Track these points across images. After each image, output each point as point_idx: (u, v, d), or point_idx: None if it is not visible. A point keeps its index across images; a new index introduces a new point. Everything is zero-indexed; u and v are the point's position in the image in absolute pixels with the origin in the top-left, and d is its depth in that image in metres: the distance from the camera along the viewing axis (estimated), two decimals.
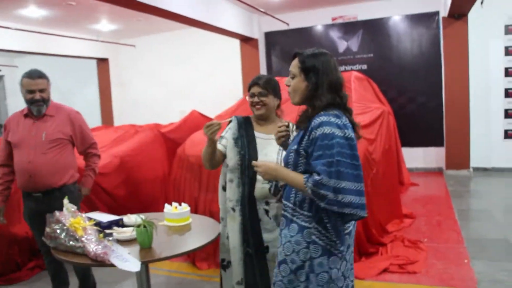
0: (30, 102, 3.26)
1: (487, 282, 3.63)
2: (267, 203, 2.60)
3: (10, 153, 3.35)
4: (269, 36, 9.63)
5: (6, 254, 4.21)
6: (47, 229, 2.59)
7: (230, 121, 2.76)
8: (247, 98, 2.77)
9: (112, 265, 2.28)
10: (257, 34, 9.48)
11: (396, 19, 8.55)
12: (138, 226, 2.48)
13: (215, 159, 2.68)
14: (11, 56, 12.18)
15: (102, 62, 11.68)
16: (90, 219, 2.67)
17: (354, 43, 8.87)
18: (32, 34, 8.69)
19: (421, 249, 4.35)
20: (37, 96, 3.23)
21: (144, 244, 2.47)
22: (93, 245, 2.38)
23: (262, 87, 2.68)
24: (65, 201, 2.73)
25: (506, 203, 6.26)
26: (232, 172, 2.65)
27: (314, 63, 2.11)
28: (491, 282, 3.64)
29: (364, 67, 8.75)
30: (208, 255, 4.17)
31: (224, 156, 2.71)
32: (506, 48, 7.90)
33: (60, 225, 2.52)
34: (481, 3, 7.04)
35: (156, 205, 5.65)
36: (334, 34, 9.03)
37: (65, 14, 8.26)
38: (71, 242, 2.45)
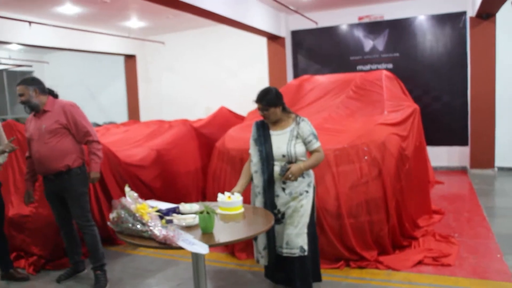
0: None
1: None
2: (284, 183, 3.30)
3: (30, 147, 3.98)
4: (295, 34, 9.77)
5: (54, 241, 4.44)
6: (112, 215, 2.79)
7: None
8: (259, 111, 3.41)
9: (179, 248, 2.46)
10: (284, 32, 9.61)
11: (422, 19, 8.64)
12: (201, 212, 2.66)
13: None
14: (41, 52, 12.49)
15: (130, 59, 11.93)
16: (152, 206, 2.86)
17: (380, 43, 8.98)
18: (64, 30, 8.96)
19: (453, 243, 4.47)
20: (18, 100, 3.88)
21: (206, 229, 2.65)
22: (159, 229, 2.57)
23: (262, 105, 3.33)
24: (127, 188, 2.92)
25: None
26: (255, 165, 3.40)
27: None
28: None
29: (390, 66, 8.84)
30: (247, 245, 4.31)
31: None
32: None
33: (127, 210, 2.71)
34: (511, 3, 7.10)
35: (189, 197, 5.85)
36: (360, 33, 9.14)
37: (98, 11, 8.51)
38: (138, 226, 2.63)
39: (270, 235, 3.33)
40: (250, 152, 3.48)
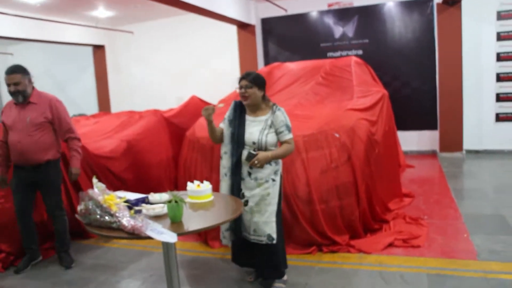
0: (11, 93, 3.89)
1: (486, 253, 3.87)
2: (251, 168, 3.28)
3: (6, 133, 4.01)
4: (266, 22, 9.73)
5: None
6: (80, 207, 2.74)
7: (221, 106, 3.59)
8: (237, 90, 3.37)
9: (148, 238, 2.44)
10: (254, 20, 9.57)
11: (391, 5, 8.72)
12: (169, 201, 2.64)
13: (217, 135, 3.43)
14: (5, 43, 12.13)
15: (99, 49, 11.70)
16: (120, 196, 2.83)
17: (349, 29, 9.03)
18: (29, 20, 8.71)
19: (422, 225, 4.57)
20: (12, 89, 3.85)
21: (175, 218, 2.63)
22: (128, 219, 2.54)
23: (248, 81, 3.29)
24: (94, 180, 2.88)
25: (498, 183, 6.52)
26: (226, 146, 3.41)
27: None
28: (489, 253, 3.89)
29: (360, 52, 8.91)
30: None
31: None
32: (498, 34, 8.11)
33: (94, 201, 2.67)
34: None
35: (161, 187, 5.79)
36: (330, 20, 9.17)
37: (63, 0, 8.28)
38: (106, 218, 2.60)
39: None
40: (223, 129, 3.45)
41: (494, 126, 8.37)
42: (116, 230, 2.55)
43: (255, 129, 3.29)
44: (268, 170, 3.29)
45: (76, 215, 2.77)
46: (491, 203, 5.40)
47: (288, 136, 3.29)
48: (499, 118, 8.32)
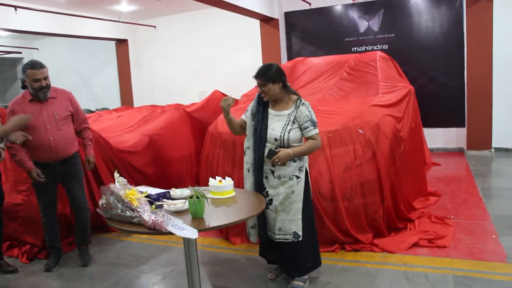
0: (37, 89, 3.78)
1: None
2: (273, 165, 3.19)
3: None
4: (289, 16, 9.62)
5: None
6: (102, 201, 2.73)
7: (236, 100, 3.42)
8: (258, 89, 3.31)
9: (169, 233, 2.40)
10: (277, 14, 9.47)
11: None
12: (191, 197, 2.60)
13: (235, 126, 3.40)
14: (31, 38, 12.30)
15: (121, 43, 11.76)
16: (141, 191, 2.80)
17: (375, 23, 8.85)
18: (53, 15, 8.78)
19: (448, 225, 4.44)
20: (43, 83, 3.77)
21: (196, 214, 2.59)
22: (149, 214, 2.52)
23: (261, 79, 3.22)
24: (116, 174, 2.86)
25: None
26: (248, 141, 3.34)
27: None
28: None
29: (385, 47, 8.73)
30: (242, 230, 4.26)
31: (246, 124, 3.38)
32: None
33: (116, 196, 2.65)
34: None
35: (183, 182, 5.79)
36: (355, 14, 9.01)
37: None
38: (127, 212, 2.58)
39: (260, 215, 3.24)
40: (244, 120, 3.39)
41: None
42: (137, 225, 2.54)
43: (278, 124, 3.19)
44: (291, 167, 3.20)
45: (98, 209, 2.76)
46: None
47: (313, 132, 3.18)
48: None
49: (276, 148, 3.16)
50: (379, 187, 4.16)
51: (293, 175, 3.20)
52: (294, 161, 3.20)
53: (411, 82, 6.83)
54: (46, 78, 3.80)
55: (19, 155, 3.81)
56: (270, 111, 3.27)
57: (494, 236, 4.18)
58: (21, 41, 12.56)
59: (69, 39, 10.88)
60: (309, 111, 3.20)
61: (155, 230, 2.45)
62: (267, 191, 3.26)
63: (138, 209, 2.57)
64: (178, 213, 2.73)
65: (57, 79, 12.86)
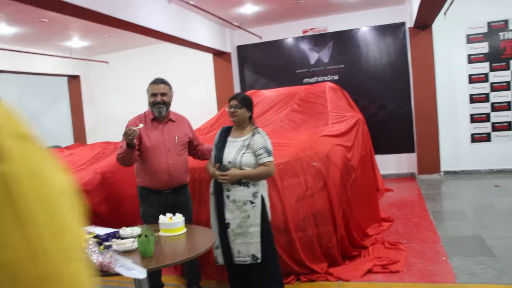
0: (152, 104, 3.67)
1: (465, 276, 3.85)
2: (228, 190, 3.35)
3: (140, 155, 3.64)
4: (241, 49, 9.80)
5: None
6: None
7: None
8: (226, 109, 3.50)
9: (117, 274, 2.35)
10: (230, 48, 9.61)
11: (365, 30, 8.88)
12: (139, 236, 2.56)
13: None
14: None
15: (73, 79, 11.58)
16: (89, 232, 2.74)
17: (325, 55, 9.13)
18: (1, 52, 8.58)
19: (401, 250, 4.53)
20: (158, 98, 3.64)
21: (146, 253, 2.55)
22: (96, 256, 2.45)
23: (238, 101, 3.42)
24: None
25: (476, 203, 6.57)
26: (213, 167, 3.46)
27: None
28: (468, 275, 3.86)
29: (336, 77, 9.00)
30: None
31: None
32: (469, 56, 8.31)
33: None
34: (444, 14, 7.42)
35: (138, 220, 5.65)
36: (305, 46, 9.28)
37: (37, 31, 8.22)
38: None
39: (222, 235, 3.37)
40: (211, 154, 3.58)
41: (470, 147, 8.48)
42: None
43: (233, 149, 3.38)
44: (245, 192, 3.31)
45: None
46: (470, 224, 5.41)
47: (266, 159, 3.30)
48: (474, 138, 8.44)
49: (226, 164, 3.35)
50: (331, 216, 4.22)
51: (247, 200, 3.31)
52: (248, 186, 3.32)
53: (362, 110, 7.05)
54: (163, 94, 3.65)
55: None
56: (229, 138, 3.48)
57: (444, 258, 4.30)
58: None
59: (18, 76, 10.62)
60: (264, 139, 3.39)
61: (103, 271, 2.39)
62: (224, 216, 3.37)
63: (86, 250, 2.50)
64: (127, 252, 2.67)
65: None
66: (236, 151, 3.35)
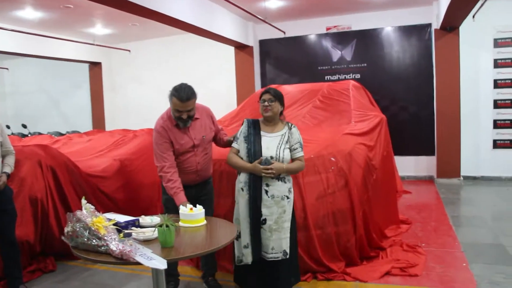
0: (177, 118, 3.53)
1: (486, 284, 3.75)
2: (267, 185, 3.31)
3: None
4: (263, 43, 9.74)
5: None
6: (67, 228, 2.62)
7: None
8: (259, 103, 3.48)
9: (137, 263, 2.32)
10: (252, 41, 9.57)
11: (389, 30, 8.76)
12: (161, 225, 2.53)
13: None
14: (1, 58, 12.06)
15: (95, 66, 11.65)
16: (109, 219, 2.71)
17: (347, 53, 9.04)
18: (26, 36, 8.64)
19: (420, 253, 4.45)
20: (184, 116, 3.47)
21: (166, 243, 2.52)
22: (116, 243, 2.43)
23: (272, 95, 3.41)
24: (83, 201, 2.76)
25: (496, 210, 6.45)
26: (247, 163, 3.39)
27: None
28: (490, 284, 3.77)
29: (358, 76, 8.91)
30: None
31: (239, 151, 3.49)
32: (495, 61, 8.15)
33: (82, 224, 2.55)
34: (473, 17, 7.26)
35: (153, 209, 5.66)
36: (328, 43, 9.19)
37: (62, 16, 8.27)
38: (93, 241, 2.47)
39: (255, 234, 3.33)
40: (234, 147, 3.50)
41: (492, 153, 8.33)
42: (104, 254, 2.44)
43: (272, 144, 3.37)
44: (283, 187, 3.35)
45: (63, 237, 2.65)
46: (490, 231, 5.31)
47: (301, 153, 3.40)
48: (497, 144, 8.28)
49: (270, 158, 3.31)
50: (351, 215, 4.16)
51: (284, 195, 3.34)
52: (285, 182, 3.36)
53: (383, 110, 6.95)
54: (190, 110, 3.48)
55: (176, 182, 3.47)
56: (263, 133, 3.43)
57: (464, 264, 4.22)
58: None
59: (41, 60, 10.71)
60: (298, 134, 3.45)
61: (123, 259, 2.36)
62: (261, 211, 3.33)
63: (105, 238, 2.48)
64: (147, 241, 2.64)
65: (27, 99, 12.67)
66: (277, 146, 3.35)
